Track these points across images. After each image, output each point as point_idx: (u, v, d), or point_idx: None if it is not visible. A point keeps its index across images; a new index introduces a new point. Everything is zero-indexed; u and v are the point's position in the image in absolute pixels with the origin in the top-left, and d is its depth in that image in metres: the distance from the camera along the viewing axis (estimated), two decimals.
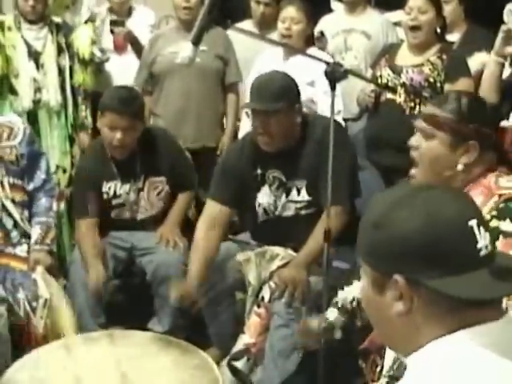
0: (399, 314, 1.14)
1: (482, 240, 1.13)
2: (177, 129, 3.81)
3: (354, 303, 2.37)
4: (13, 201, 3.07)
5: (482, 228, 1.13)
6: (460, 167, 2.02)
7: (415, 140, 2.11)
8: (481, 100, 2.26)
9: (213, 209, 3.09)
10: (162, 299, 3.27)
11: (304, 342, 2.62)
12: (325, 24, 4.28)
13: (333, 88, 2.37)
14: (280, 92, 2.88)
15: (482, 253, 1.12)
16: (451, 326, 1.12)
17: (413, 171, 2.13)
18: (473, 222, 1.12)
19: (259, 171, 3.05)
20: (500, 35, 2.69)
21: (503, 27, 2.67)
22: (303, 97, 3.06)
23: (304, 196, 3.01)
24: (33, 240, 3.09)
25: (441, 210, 1.13)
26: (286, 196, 3.03)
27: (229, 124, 4.18)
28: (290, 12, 3.75)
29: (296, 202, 3.03)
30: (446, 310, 1.12)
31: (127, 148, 3.27)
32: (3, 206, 3.04)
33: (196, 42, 2.32)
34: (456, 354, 1.10)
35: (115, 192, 3.38)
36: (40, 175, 3.18)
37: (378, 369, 2.15)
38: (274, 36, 3.87)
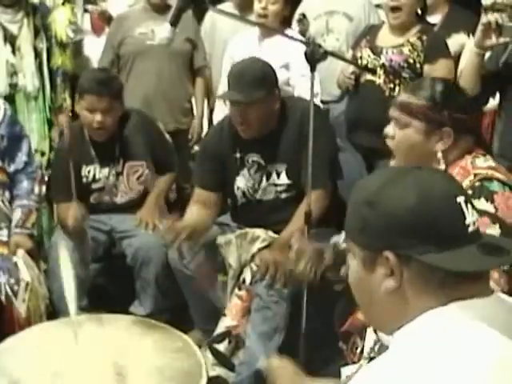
0: (389, 290, 1.16)
1: (470, 217, 1.16)
2: (148, 111, 3.80)
3: None
4: None
5: (469, 205, 1.17)
6: (439, 155, 2.04)
7: (390, 129, 2.14)
8: (455, 86, 2.28)
9: (200, 194, 3.12)
10: (144, 282, 3.27)
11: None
12: (306, 6, 4.25)
13: (312, 69, 2.37)
14: (257, 81, 2.87)
15: (470, 229, 1.16)
16: (441, 299, 1.14)
17: (392, 163, 2.16)
18: (461, 199, 1.16)
19: (238, 155, 3.05)
20: (479, 27, 2.68)
21: (482, 19, 2.67)
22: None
23: (284, 179, 3.01)
24: (14, 223, 3.07)
25: (431, 187, 1.16)
26: (267, 180, 3.03)
27: (198, 107, 4.21)
28: None
29: (276, 185, 3.03)
30: (436, 284, 1.14)
31: (108, 129, 3.26)
32: None
33: (174, 23, 2.31)
34: (444, 325, 1.11)
35: (94, 176, 3.37)
36: (21, 157, 3.15)
37: (359, 350, 2.17)
38: (253, 18, 3.85)
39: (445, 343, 1.08)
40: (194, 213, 3.06)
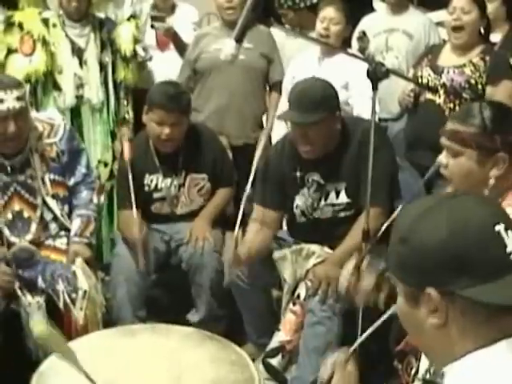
0: (435, 327, 1.13)
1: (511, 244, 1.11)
2: (218, 125, 3.84)
3: None
4: (54, 196, 3.10)
5: (510, 232, 1.12)
6: (492, 181, 2.01)
7: (443, 158, 2.12)
8: (505, 108, 2.24)
9: (260, 213, 3.14)
10: (198, 287, 3.31)
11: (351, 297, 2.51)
12: (366, 24, 4.26)
13: (374, 88, 2.37)
14: (319, 102, 2.86)
15: None
16: (489, 335, 1.11)
17: (449, 189, 2.13)
18: (500, 227, 1.11)
19: (298, 174, 3.05)
20: None
21: None
22: None
23: (343, 198, 3.01)
24: (72, 232, 3.12)
25: (466, 217, 1.12)
26: (325, 199, 3.03)
27: (269, 121, 4.17)
28: (329, 12, 3.72)
29: (334, 204, 3.03)
30: (482, 319, 1.11)
31: (175, 142, 3.32)
32: (44, 201, 3.08)
33: (238, 40, 2.31)
34: (496, 366, 1.09)
35: (156, 185, 3.42)
36: (81, 170, 3.21)
37: (413, 371, 2.14)
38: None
39: None
40: (255, 232, 3.07)
